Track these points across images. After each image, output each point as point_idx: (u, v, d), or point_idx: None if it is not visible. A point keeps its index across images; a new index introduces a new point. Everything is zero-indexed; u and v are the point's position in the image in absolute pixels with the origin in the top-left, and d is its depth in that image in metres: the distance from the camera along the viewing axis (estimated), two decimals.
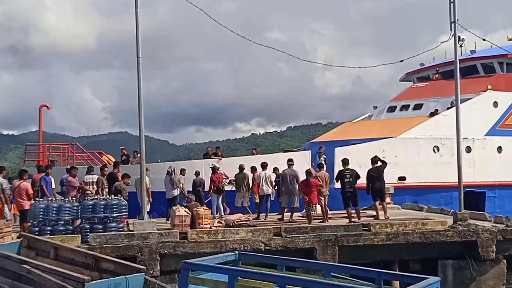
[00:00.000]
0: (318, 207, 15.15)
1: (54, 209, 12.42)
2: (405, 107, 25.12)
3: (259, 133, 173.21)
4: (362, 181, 15.18)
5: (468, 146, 21.88)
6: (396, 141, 21.17)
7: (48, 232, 12.13)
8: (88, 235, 12.03)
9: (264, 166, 16.66)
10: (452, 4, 14.34)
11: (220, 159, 19.40)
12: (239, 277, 7.51)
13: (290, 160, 16.19)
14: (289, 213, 15.32)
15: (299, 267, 9.85)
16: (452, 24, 14.58)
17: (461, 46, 26.80)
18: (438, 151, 21.71)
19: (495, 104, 23.01)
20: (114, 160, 22.20)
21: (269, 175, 16.42)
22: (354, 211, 14.77)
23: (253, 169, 17.03)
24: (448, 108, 23.12)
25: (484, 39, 18.22)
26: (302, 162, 19.15)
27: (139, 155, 21.17)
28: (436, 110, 23.29)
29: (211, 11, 13.78)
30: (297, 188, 15.06)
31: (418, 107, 24.56)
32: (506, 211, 16.83)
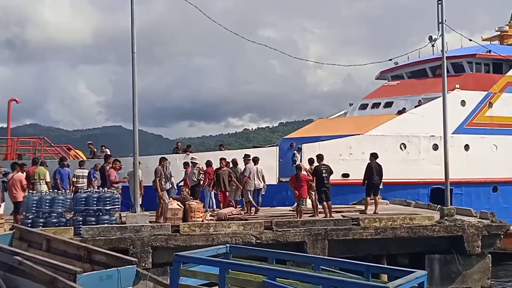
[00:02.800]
0: (309, 201, 15.35)
1: (47, 201, 12.51)
2: (376, 105, 25.31)
3: (252, 129, 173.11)
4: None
5: (435, 144, 22.19)
6: (363, 138, 21.33)
7: (41, 224, 12.21)
8: (81, 227, 12.13)
9: (255, 160, 16.81)
10: (439, 5, 14.57)
11: (188, 154, 19.46)
12: (230, 270, 7.64)
13: (247, 155, 16.43)
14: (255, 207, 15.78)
15: (289, 260, 10.02)
16: (440, 25, 14.82)
17: (433, 46, 27.22)
18: (405, 148, 21.90)
19: (463, 103, 23.20)
20: (83, 154, 22.35)
21: (261, 170, 16.56)
22: (322, 206, 14.92)
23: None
24: (416, 106, 23.38)
25: (470, 39, 18.48)
26: (269, 158, 19.29)
27: (107, 149, 21.44)
28: (404, 108, 23.51)
29: (206, 9, 13.87)
30: None
31: (388, 105, 24.73)
32: (473, 208, 17.08)
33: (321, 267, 8.24)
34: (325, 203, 14.77)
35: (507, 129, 23.61)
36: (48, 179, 14.84)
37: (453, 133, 22.56)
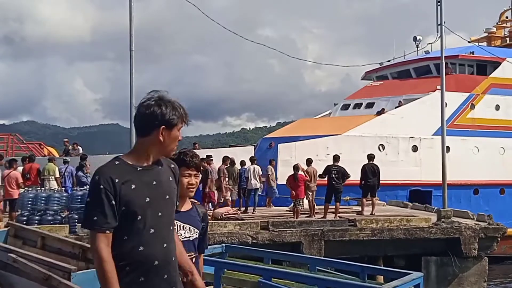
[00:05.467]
0: (306, 201, 15.32)
1: (43, 199, 12.47)
2: (358, 105, 25.20)
3: (249, 128, 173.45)
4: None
5: (414, 145, 22.09)
6: (340, 139, 21.10)
7: (36, 221, 12.15)
8: (76, 225, 12.07)
9: (253, 160, 16.79)
10: (438, 7, 14.59)
11: None
12: (225, 269, 7.60)
13: (209, 156, 16.42)
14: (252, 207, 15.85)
15: (285, 260, 9.98)
16: (439, 26, 14.86)
17: (417, 46, 27.13)
18: (383, 149, 21.62)
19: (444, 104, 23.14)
20: (55, 152, 22.38)
21: (258, 169, 16.53)
22: (333, 207, 14.91)
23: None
24: (396, 107, 23.30)
25: (469, 41, 18.48)
26: (245, 157, 19.19)
27: (79, 147, 21.50)
28: (383, 109, 23.43)
29: (204, 7, 13.88)
30: None
31: (370, 105, 24.60)
32: None
33: (317, 267, 8.21)
34: (327, 203, 14.75)
35: (489, 131, 23.42)
36: (57, 175, 14.99)
37: (433, 135, 22.37)
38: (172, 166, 2.94)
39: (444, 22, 15.02)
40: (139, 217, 2.64)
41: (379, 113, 23.19)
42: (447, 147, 22.00)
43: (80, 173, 15.14)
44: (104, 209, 2.58)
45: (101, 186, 2.59)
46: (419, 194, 21.12)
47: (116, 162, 2.72)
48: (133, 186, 2.64)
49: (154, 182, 2.73)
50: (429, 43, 25.37)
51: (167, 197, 2.78)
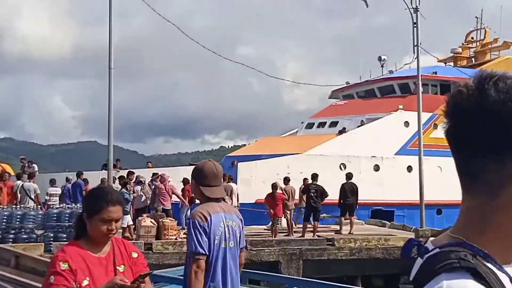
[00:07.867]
0: (284, 220, 15.34)
1: (18, 216, 12.24)
2: (322, 124, 25.48)
3: (228, 146, 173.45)
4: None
5: (376, 165, 22.17)
6: (301, 158, 21.07)
7: (11, 240, 11.91)
8: (51, 243, 11.87)
9: (230, 178, 16.85)
10: (415, 28, 14.98)
11: (118, 171, 18.94)
12: None
13: (155, 173, 16.35)
14: None
15: (263, 280, 9.96)
16: (415, 47, 15.24)
17: (382, 66, 27.66)
18: (345, 168, 21.25)
19: (406, 124, 22.97)
20: (10, 168, 22.01)
21: (236, 188, 16.57)
22: (311, 225, 14.94)
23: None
24: (358, 127, 23.57)
25: (445, 62, 18.93)
26: None
27: (34, 164, 21.28)
28: (344, 128, 23.67)
29: (185, 26, 14.04)
30: None
31: (334, 124, 24.87)
32: None
33: (295, 287, 8.21)
34: (306, 222, 14.77)
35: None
36: (38, 192, 14.93)
37: (395, 154, 22.57)
38: None
39: (420, 43, 15.39)
40: None
41: (341, 132, 23.42)
42: (409, 166, 22.00)
43: (124, 190, 14.75)
44: None
45: None
46: (381, 214, 20.88)
47: None
48: None
49: None
50: (406, 64, 25.85)
51: None
